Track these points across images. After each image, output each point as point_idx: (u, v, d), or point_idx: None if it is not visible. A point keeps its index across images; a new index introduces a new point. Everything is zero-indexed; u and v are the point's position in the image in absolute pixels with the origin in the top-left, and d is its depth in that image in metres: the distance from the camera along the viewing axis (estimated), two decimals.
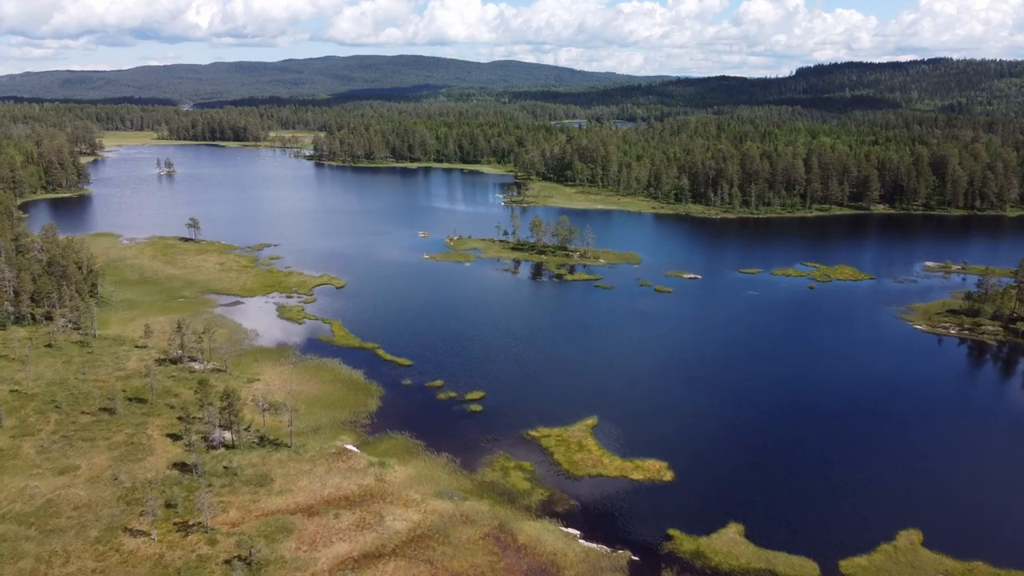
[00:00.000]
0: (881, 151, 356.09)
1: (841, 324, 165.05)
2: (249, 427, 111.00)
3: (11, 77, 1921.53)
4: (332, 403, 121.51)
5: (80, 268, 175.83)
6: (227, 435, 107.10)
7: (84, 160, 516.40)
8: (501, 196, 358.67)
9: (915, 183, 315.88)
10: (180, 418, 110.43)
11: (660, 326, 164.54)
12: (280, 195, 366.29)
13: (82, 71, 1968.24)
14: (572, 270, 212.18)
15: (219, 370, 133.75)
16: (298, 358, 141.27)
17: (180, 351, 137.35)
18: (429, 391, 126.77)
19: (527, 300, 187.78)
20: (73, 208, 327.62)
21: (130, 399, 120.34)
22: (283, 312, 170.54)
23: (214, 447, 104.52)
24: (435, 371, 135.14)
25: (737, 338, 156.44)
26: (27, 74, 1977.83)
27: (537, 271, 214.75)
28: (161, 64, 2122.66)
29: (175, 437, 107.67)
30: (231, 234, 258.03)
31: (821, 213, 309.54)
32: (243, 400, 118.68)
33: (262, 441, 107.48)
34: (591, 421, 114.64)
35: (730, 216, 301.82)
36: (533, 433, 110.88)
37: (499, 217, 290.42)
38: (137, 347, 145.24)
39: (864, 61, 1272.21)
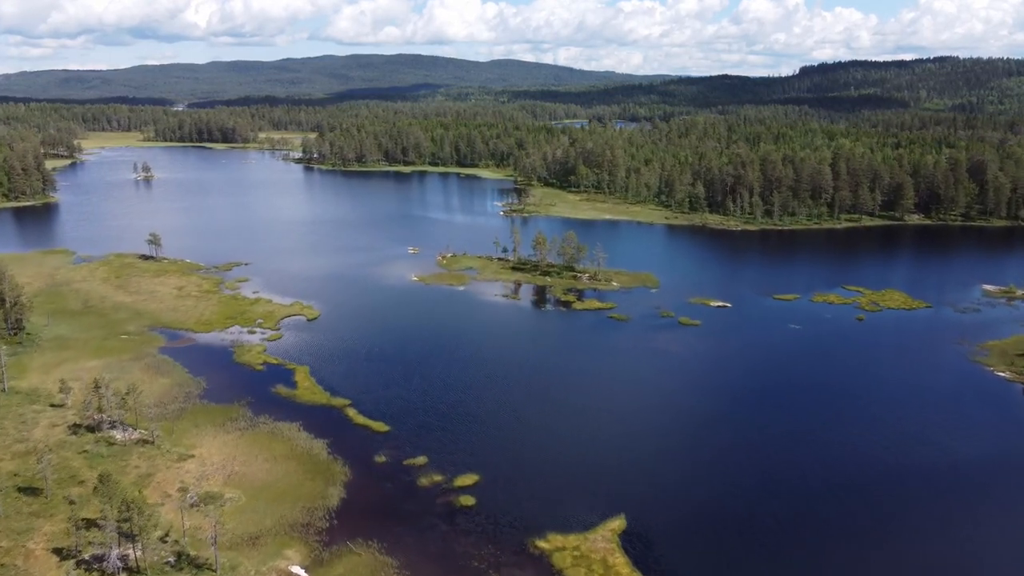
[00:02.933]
0: (906, 153, 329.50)
1: (909, 371, 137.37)
2: (167, 535, 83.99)
3: (7, 77, 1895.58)
4: (282, 493, 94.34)
5: (2, 300, 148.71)
6: (132, 552, 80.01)
7: (61, 163, 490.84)
8: (500, 204, 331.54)
9: (952, 191, 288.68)
10: (76, 522, 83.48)
11: (690, 374, 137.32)
12: (261, 203, 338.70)
13: (79, 70, 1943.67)
14: (581, 296, 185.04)
15: (146, 441, 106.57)
16: (249, 421, 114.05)
17: (99, 415, 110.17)
18: (408, 473, 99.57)
19: (529, 337, 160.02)
20: (33, 219, 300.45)
21: (20, 489, 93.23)
22: (240, 354, 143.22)
23: (111, 573, 77.40)
24: (417, 441, 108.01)
25: (787, 392, 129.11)
26: (23, 73, 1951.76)
27: (540, 297, 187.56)
28: (158, 63, 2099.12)
29: (64, 555, 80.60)
30: (199, 250, 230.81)
31: (851, 224, 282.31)
32: (164, 493, 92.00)
33: (180, 559, 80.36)
34: (617, 523, 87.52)
35: (751, 228, 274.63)
36: (542, 544, 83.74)
37: (497, 229, 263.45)
38: (53, 406, 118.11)
39: (868, 59, 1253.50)
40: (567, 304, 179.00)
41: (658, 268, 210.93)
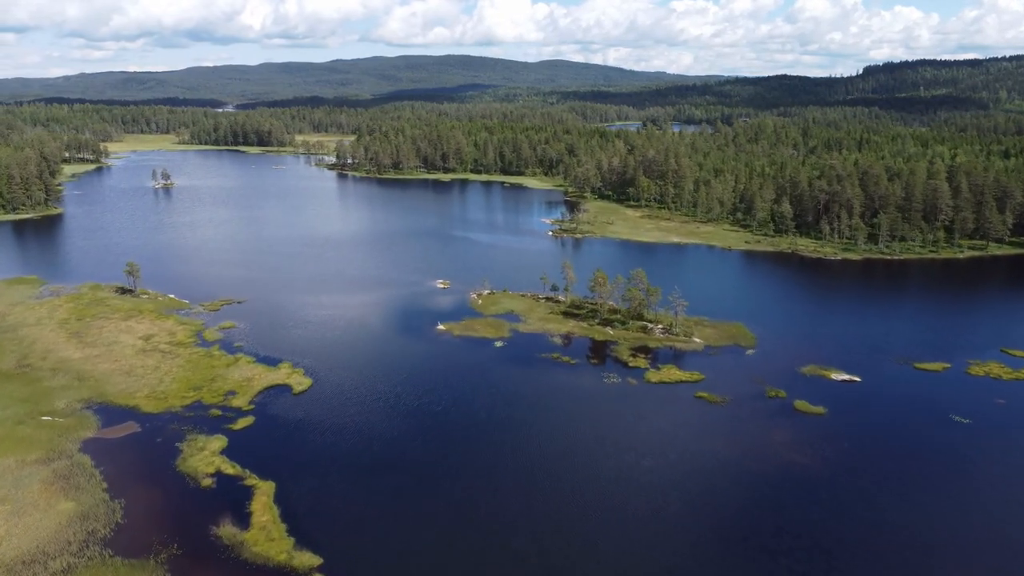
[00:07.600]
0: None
1: None
2: None
3: (67, 78, 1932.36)
4: None
5: None
6: None
7: (84, 168, 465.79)
8: (548, 221, 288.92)
9: None
10: None
11: (836, 515, 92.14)
12: (280, 217, 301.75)
13: (137, 72, 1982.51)
14: (654, 358, 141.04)
15: None
16: None
17: None
18: None
19: (585, 431, 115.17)
20: (24, 235, 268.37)
21: None
22: (188, 454, 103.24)
23: None
24: None
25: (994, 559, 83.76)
26: (81, 75, 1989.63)
27: (600, 358, 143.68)
28: (212, 65, 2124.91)
29: None
30: (189, 281, 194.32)
31: (976, 253, 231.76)
32: None
33: None
34: None
35: (853, 256, 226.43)
36: None
37: (546, 255, 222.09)
38: None
39: (935, 58, 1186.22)
40: (637, 371, 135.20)
41: (748, 314, 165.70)
